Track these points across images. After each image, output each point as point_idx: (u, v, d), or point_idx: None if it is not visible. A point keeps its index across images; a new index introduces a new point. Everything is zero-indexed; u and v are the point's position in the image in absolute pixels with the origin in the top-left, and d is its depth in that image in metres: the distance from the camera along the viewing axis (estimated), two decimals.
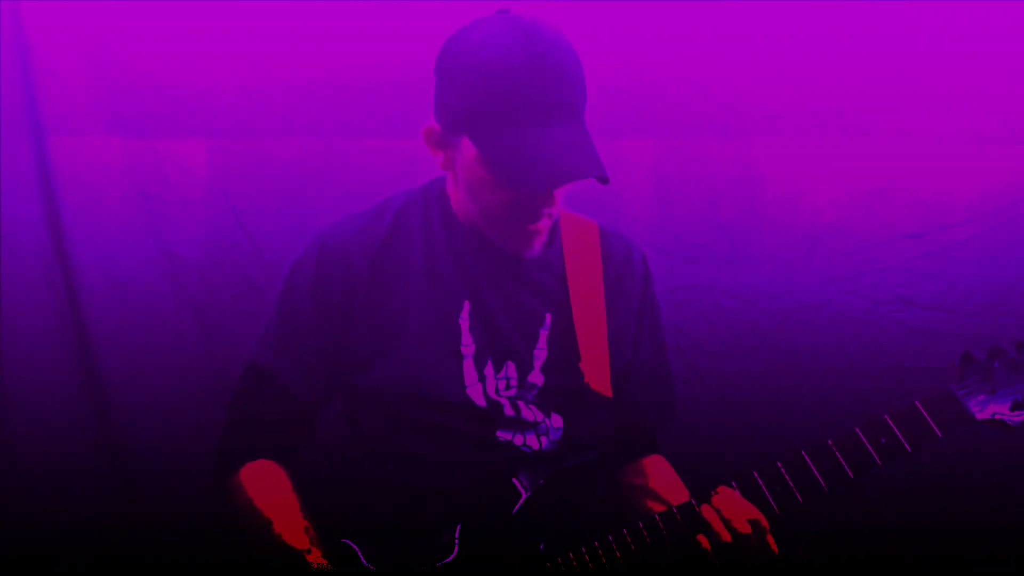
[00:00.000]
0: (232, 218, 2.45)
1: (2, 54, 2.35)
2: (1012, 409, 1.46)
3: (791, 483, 1.51)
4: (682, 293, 2.45)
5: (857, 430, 1.49)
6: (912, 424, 1.47)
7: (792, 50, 2.40)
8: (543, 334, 1.70)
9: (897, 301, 2.43)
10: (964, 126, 2.40)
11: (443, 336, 1.66)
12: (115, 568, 2.34)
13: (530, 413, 1.69)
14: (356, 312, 1.67)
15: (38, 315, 2.38)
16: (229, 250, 2.44)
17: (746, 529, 1.49)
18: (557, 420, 1.71)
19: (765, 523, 1.50)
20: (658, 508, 1.70)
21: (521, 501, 1.60)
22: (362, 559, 1.58)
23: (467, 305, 1.67)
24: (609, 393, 1.70)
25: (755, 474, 1.53)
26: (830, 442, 1.50)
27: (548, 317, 1.71)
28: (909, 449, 1.47)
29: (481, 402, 1.65)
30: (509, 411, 1.67)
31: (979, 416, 1.46)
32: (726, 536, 1.49)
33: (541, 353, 1.70)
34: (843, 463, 1.49)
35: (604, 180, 1.47)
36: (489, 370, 1.67)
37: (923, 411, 1.47)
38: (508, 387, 1.68)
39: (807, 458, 1.50)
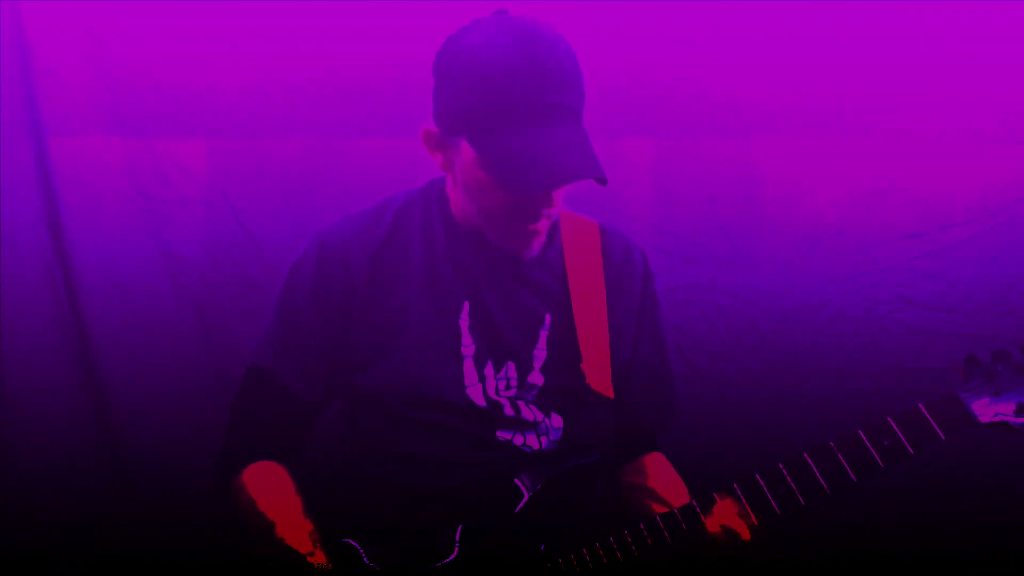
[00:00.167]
0: (232, 218, 2.45)
1: (2, 54, 2.35)
2: (1016, 412, 1.46)
3: (793, 485, 1.50)
4: (682, 293, 2.45)
5: (860, 432, 1.49)
6: (915, 426, 1.46)
7: (792, 50, 2.40)
8: (543, 334, 1.70)
9: (897, 301, 2.43)
10: (964, 126, 2.40)
11: (443, 336, 1.66)
12: (115, 568, 2.35)
13: (530, 413, 1.68)
14: (356, 312, 1.67)
15: (38, 315, 2.38)
16: (229, 250, 2.44)
17: (747, 536, 1.50)
18: (557, 420, 1.71)
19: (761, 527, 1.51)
20: (659, 508, 1.70)
21: (524, 501, 1.60)
22: (364, 559, 1.57)
23: (467, 306, 1.67)
24: (611, 394, 1.70)
25: (757, 476, 1.53)
26: (832, 444, 1.50)
27: (548, 317, 1.71)
28: (912, 452, 1.46)
29: (481, 402, 1.65)
30: (509, 411, 1.67)
31: (983, 420, 1.46)
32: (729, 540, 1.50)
33: (541, 354, 1.70)
34: (845, 465, 1.48)
35: (602, 182, 1.47)
36: (489, 370, 1.67)
37: (926, 413, 1.46)
38: (508, 387, 1.68)
39: (809, 460, 1.50)
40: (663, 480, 1.81)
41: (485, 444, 1.65)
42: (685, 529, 1.54)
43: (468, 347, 1.66)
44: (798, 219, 2.46)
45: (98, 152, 2.42)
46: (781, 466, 1.51)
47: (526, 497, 1.60)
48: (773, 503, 1.51)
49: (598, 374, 1.69)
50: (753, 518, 1.52)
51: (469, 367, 1.66)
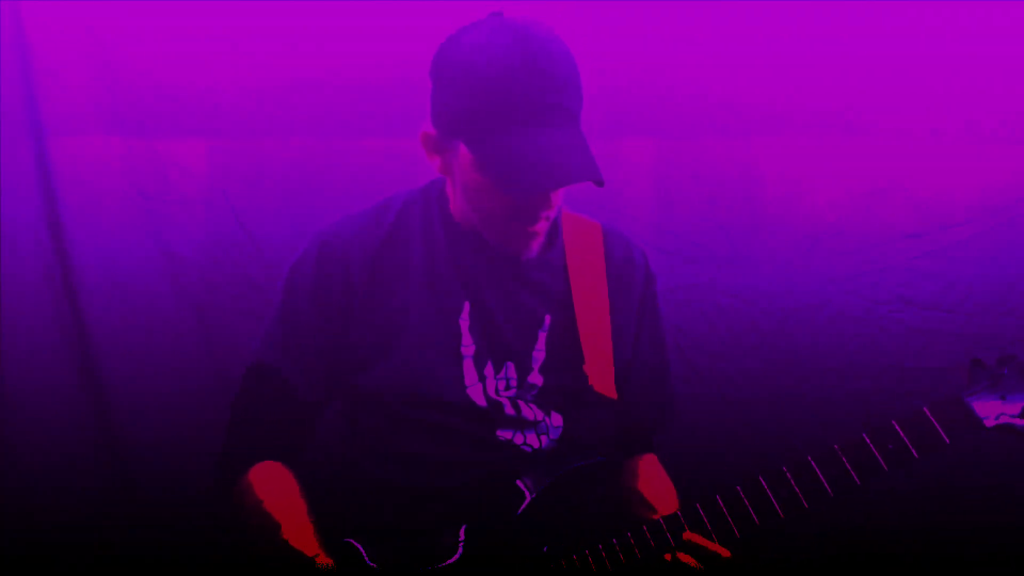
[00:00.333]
0: (232, 218, 2.44)
1: (2, 54, 2.35)
2: (1021, 415, 1.46)
3: (797, 488, 1.50)
4: (682, 293, 2.45)
5: (864, 436, 1.48)
6: (920, 430, 1.46)
7: (792, 50, 2.40)
8: (542, 335, 1.70)
9: (897, 301, 2.43)
10: (964, 126, 2.40)
11: (443, 337, 1.66)
12: (115, 568, 2.34)
13: (530, 412, 1.69)
14: (356, 312, 1.67)
15: (38, 315, 2.38)
16: (229, 250, 2.44)
17: (727, 553, 1.53)
18: (557, 419, 1.71)
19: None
20: (645, 512, 1.72)
21: (526, 503, 1.60)
22: (366, 559, 1.57)
23: (467, 306, 1.67)
24: (614, 395, 1.70)
25: (760, 479, 1.53)
26: (836, 448, 1.49)
27: (547, 318, 1.71)
28: (917, 455, 1.45)
29: (481, 402, 1.65)
30: (509, 410, 1.67)
31: (988, 424, 1.45)
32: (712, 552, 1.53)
33: (539, 354, 1.70)
34: (850, 469, 1.48)
35: (599, 184, 1.47)
36: (489, 370, 1.67)
37: (931, 417, 1.46)
38: (508, 387, 1.68)
39: (813, 464, 1.50)
40: (653, 484, 1.82)
41: (485, 444, 1.66)
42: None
43: (468, 347, 1.66)
44: (798, 219, 2.46)
45: (98, 152, 2.42)
46: (784, 469, 1.51)
47: (528, 499, 1.60)
48: (776, 505, 1.51)
49: (600, 375, 1.69)
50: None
51: (469, 367, 1.66)
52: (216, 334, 2.44)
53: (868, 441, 1.48)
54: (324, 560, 1.53)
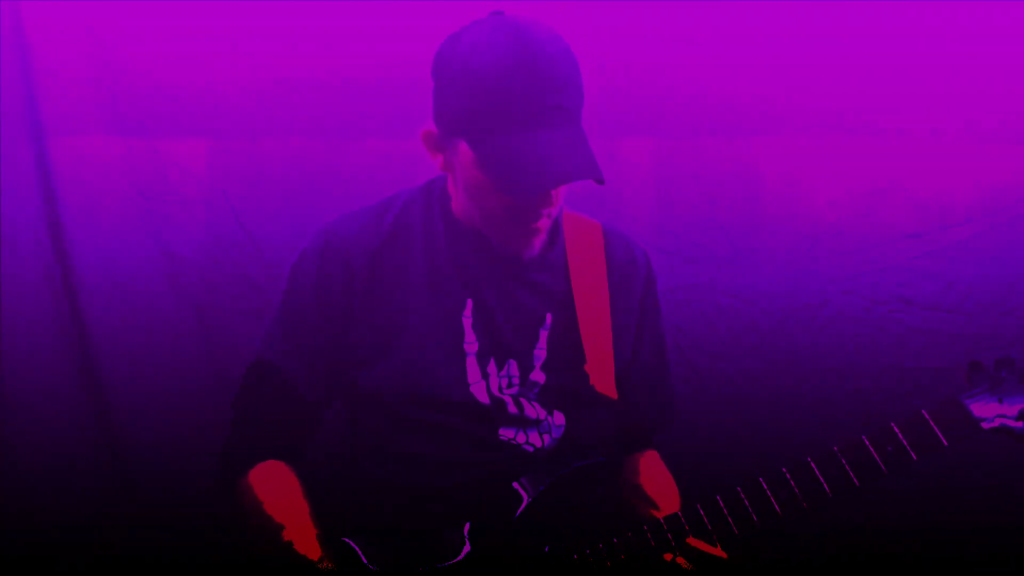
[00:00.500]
0: (232, 218, 2.44)
1: (2, 54, 2.34)
2: (1019, 417, 1.46)
3: (796, 489, 1.51)
4: (682, 293, 2.45)
5: (863, 437, 1.49)
6: (918, 432, 1.47)
7: (792, 50, 2.40)
8: (543, 334, 1.70)
9: (897, 301, 2.43)
10: (964, 126, 2.40)
11: (445, 335, 1.66)
12: (115, 568, 2.34)
13: (533, 411, 1.69)
14: (356, 311, 1.67)
15: (38, 315, 2.38)
16: (229, 250, 2.44)
17: (723, 555, 1.53)
18: (559, 418, 1.71)
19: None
20: (647, 508, 1.73)
21: (524, 505, 1.60)
22: (363, 559, 1.57)
23: (470, 303, 1.67)
24: (614, 395, 1.70)
25: (760, 480, 1.53)
26: (836, 449, 1.50)
27: (549, 317, 1.71)
28: (915, 457, 1.46)
29: (484, 399, 1.66)
30: (512, 408, 1.67)
31: (986, 426, 1.46)
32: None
33: (541, 353, 1.70)
34: (848, 470, 1.48)
35: (599, 182, 1.47)
36: (492, 368, 1.67)
37: (929, 419, 1.46)
38: (510, 385, 1.68)
39: (813, 465, 1.50)
40: (655, 481, 1.82)
41: (486, 444, 1.66)
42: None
43: (472, 344, 1.67)
44: (798, 219, 2.46)
45: (98, 152, 2.42)
46: (784, 470, 1.52)
47: (526, 501, 1.60)
48: (776, 506, 1.51)
49: (601, 375, 1.69)
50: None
51: (472, 364, 1.66)
52: (216, 334, 2.44)
53: (867, 443, 1.48)
54: (327, 563, 1.52)
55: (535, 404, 1.69)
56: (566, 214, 1.79)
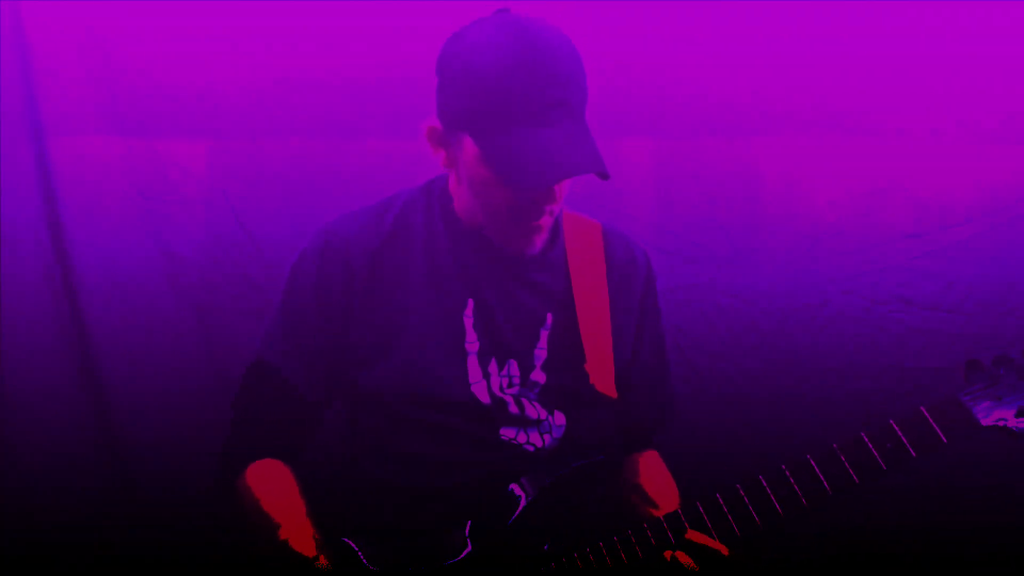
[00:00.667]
0: (232, 218, 2.44)
1: (2, 54, 2.35)
2: (1017, 416, 1.46)
3: (796, 487, 1.51)
4: (682, 293, 2.45)
5: (863, 435, 1.49)
6: (918, 430, 1.47)
7: (792, 50, 2.40)
8: (544, 333, 1.70)
9: (897, 301, 2.43)
10: (964, 126, 2.40)
11: (445, 334, 1.66)
12: (115, 568, 2.34)
13: (533, 410, 1.69)
14: (356, 312, 1.67)
15: (38, 315, 2.38)
16: (229, 250, 2.44)
17: (725, 551, 1.52)
18: (560, 418, 1.71)
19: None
20: (647, 508, 1.72)
21: (521, 506, 1.60)
22: (362, 559, 1.57)
23: (471, 303, 1.67)
24: (614, 394, 1.70)
25: (760, 478, 1.53)
26: (835, 447, 1.50)
27: (549, 316, 1.71)
28: (915, 455, 1.46)
29: (485, 399, 1.66)
30: (513, 408, 1.67)
31: (984, 423, 1.46)
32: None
33: (541, 352, 1.70)
34: (848, 468, 1.49)
35: (604, 176, 1.47)
36: (493, 367, 1.67)
37: (929, 417, 1.47)
38: (511, 384, 1.68)
39: (813, 463, 1.50)
40: (654, 480, 1.82)
41: (486, 444, 1.66)
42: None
43: (473, 343, 1.67)
44: (798, 219, 2.46)
45: (98, 152, 2.42)
46: (784, 468, 1.52)
47: (523, 502, 1.60)
48: (776, 504, 1.51)
49: (601, 375, 1.69)
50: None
51: (473, 363, 1.66)
52: (216, 334, 2.44)
53: (867, 441, 1.48)
54: (323, 561, 1.52)
55: (536, 404, 1.69)
56: (566, 214, 1.79)
